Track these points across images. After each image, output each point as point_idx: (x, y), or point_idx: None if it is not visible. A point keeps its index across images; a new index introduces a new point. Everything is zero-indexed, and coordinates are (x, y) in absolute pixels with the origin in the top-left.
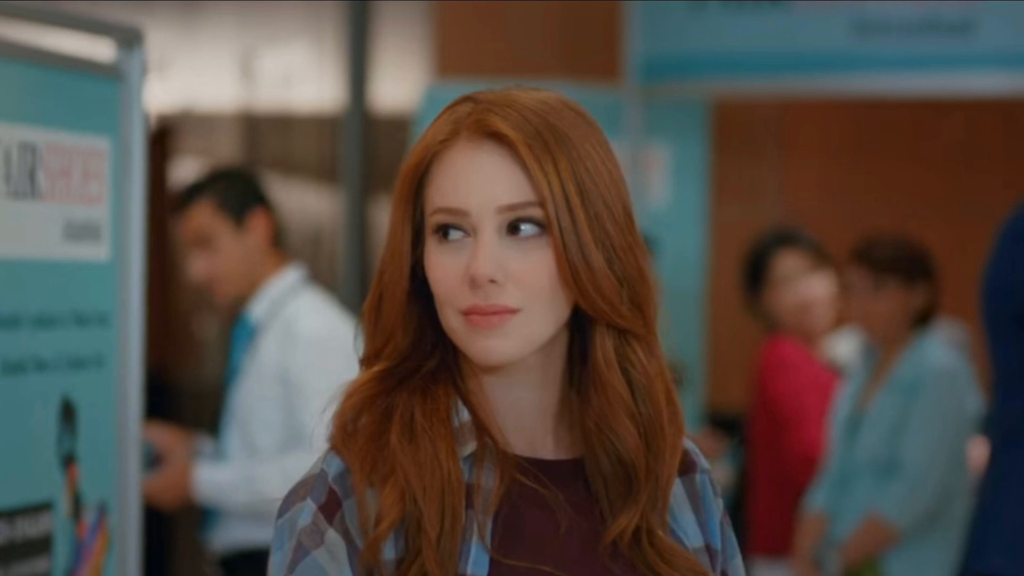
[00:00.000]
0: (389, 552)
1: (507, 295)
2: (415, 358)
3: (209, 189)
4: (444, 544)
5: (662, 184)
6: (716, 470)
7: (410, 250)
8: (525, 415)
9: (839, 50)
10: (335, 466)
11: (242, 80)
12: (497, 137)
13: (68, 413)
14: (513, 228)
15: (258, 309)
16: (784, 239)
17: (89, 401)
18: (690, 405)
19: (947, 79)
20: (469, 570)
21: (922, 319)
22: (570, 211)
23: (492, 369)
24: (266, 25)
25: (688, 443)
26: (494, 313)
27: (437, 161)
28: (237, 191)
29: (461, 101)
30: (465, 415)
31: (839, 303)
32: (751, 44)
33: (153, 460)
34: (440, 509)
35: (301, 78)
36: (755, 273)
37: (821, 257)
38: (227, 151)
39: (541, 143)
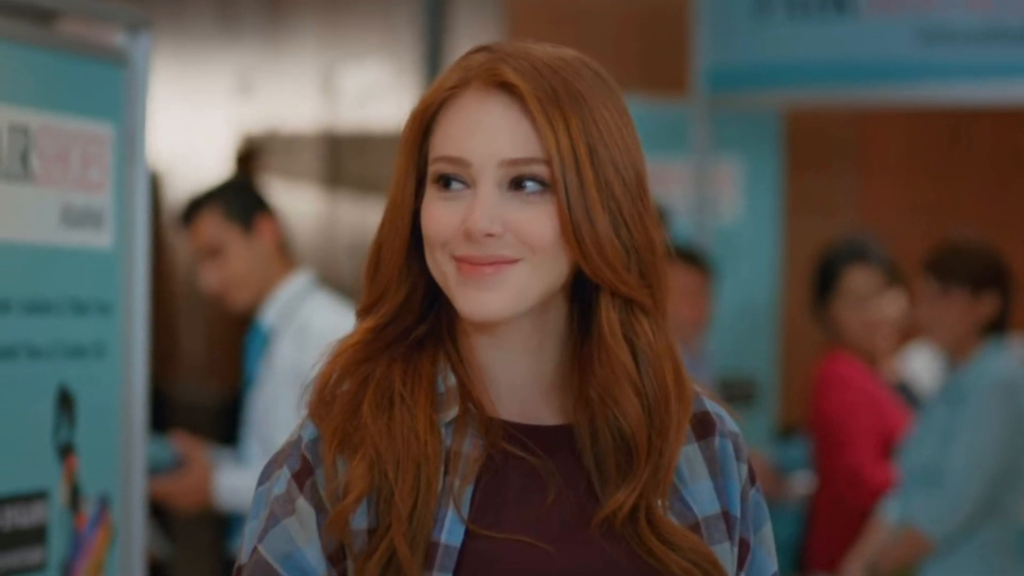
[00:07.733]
0: (361, 522)
1: (506, 246)
2: (406, 318)
3: (214, 199)
4: (416, 517)
5: (733, 199)
6: (799, 477)
7: (412, 200)
8: (518, 381)
9: (907, 58)
10: (309, 432)
11: (324, 98)
12: (508, 88)
13: (66, 402)
14: (517, 184)
15: (271, 314)
16: (857, 254)
17: (89, 391)
18: (762, 423)
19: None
20: (443, 539)
21: (993, 329)
22: (578, 171)
23: (484, 330)
24: (346, 41)
25: (712, 405)
26: (490, 264)
27: (445, 108)
28: (241, 198)
29: (477, 50)
30: (452, 380)
31: (907, 318)
32: (817, 53)
33: (176, 464)
34: (414, 482)
35: (380, 95)
36: (824, 283)
37: (893, 275)
38: (309, 170)
39: (553, 98)
